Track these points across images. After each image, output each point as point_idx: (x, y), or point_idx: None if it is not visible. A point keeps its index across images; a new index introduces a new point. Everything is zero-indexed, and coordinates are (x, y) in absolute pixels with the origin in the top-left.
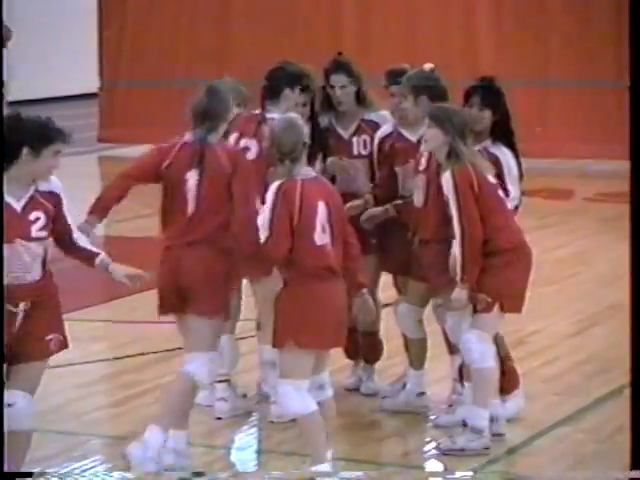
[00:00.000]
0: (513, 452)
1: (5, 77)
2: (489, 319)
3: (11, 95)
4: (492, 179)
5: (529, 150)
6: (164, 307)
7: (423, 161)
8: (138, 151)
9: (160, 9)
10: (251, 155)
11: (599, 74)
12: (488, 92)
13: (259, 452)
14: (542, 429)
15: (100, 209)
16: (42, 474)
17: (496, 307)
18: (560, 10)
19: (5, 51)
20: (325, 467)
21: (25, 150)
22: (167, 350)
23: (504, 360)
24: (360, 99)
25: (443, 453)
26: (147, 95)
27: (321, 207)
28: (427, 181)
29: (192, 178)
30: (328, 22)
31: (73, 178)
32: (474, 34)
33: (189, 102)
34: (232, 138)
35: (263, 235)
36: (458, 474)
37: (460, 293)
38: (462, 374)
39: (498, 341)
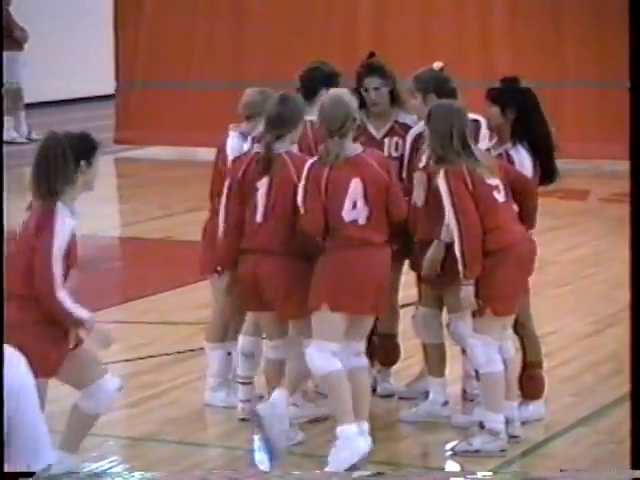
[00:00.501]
0: (529, 454)
1: (19, 79)
2: (485, 323)
3: (27, 97)
4: (491, 180)
5: None
6: (246, 306)
7: (423, 158)
8: (154, 153)
9: (175, 10)
10: None
11: (615, 75)
12: (500, 91)
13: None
14: (558, 430)
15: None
16: (69, 474)
17: (488, 310)
18: (576, 10)
19: (21, 53)
20: (351, 428)
21: (83, 163)
22: (182, 352)
23: (534, 366)
24: (394, 99)
25: (459, 455)
26: (163, 97)
27: (354, 184)
28: (428, 178)
29: (262, 187)
30: (343, 23)
31: None
32: (489, 35)
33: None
34: None
35: (301, 212)
36: (479, 474)
37: (467, 291)
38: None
39: (529, 345)
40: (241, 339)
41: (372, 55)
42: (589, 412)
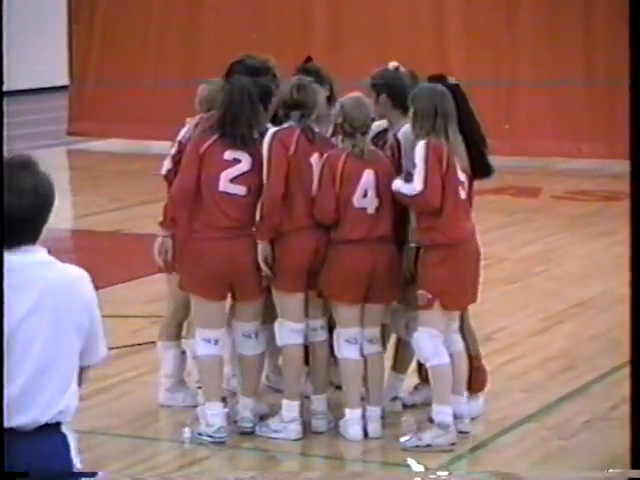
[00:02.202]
0: (478, 449)
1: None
2: (433, 316)
3: None
4: (460, 175)
5: (497, 148)
6: (299, 283)
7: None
8: (107, 145)
9: (129, 4)
10: None
11: (568, 73)
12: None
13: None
14: (507, 426)
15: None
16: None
17: (437, 304)
18: (530, 7)
19: None
20: (354, 413)
21: None
22: (132, 345)
23: (473, 359)
24: (331, 102)
25: (410, 450)
26: (116, 89)
27: (366, 174)
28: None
29: (315, 162)
30: (298, 20)
31: None
32: (444, 33)
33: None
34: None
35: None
36: (440, 473)
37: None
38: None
39: (469, 339)
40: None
41: (309, 59)
42: (538, 408)
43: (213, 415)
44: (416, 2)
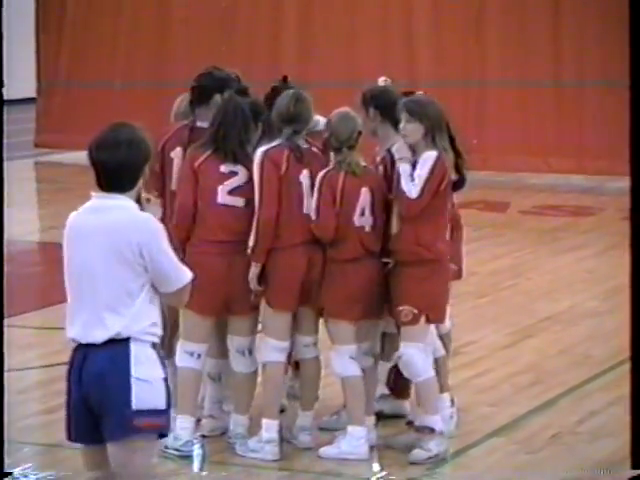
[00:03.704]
0: (446, 462)
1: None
2: (418, 330)
3: None
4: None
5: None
6: (290, 302)
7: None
8: (75, 157)
9: (99, 12)
10: (178, 162)
11: (536, 77)
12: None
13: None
14: (475, 440)
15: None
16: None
17: (422, 319)
18: (499, 10)
19: None
20: (361, 431)
21: None
22: None
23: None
24: None
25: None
26: (85, 100)
27: (363, 193)
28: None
29: (305, 179)
30: (268, 30)
31: (9, 183)
32: (413, 38)
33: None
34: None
35: (313, 218)
36: None
37: None
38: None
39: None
40: (207, 361)
41: (285, 79)
42: (505, 422)
43: (183, 429)
44: (384, 7)
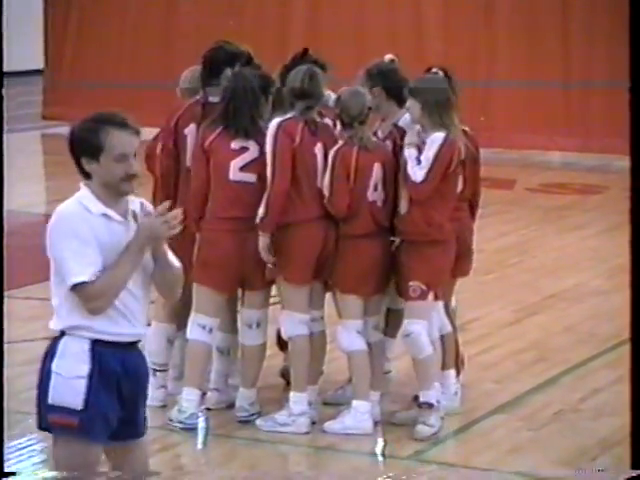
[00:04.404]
0: (448, 438)
1: None
2: (424, 307)
3: None
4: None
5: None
6: (306, 274)
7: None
8: None
9: None
10: (192, 139)
11: (545, 74)
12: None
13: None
14: (478, 416)
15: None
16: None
17: (431, 295)
18: (508, 9)
19: None
20: (365, 405)
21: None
22: None
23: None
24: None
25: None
26: (92, 72)
27: (376, 168)
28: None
29: (319, 152)
30: (277, 8)
31: (16, 155)
32: (422, 32)
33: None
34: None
35: (326, 193)
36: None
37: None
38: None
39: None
40: (217, 335)
41: (306, 52)
42: (509, 399)
43: (188, 401)
44: (393, 1)
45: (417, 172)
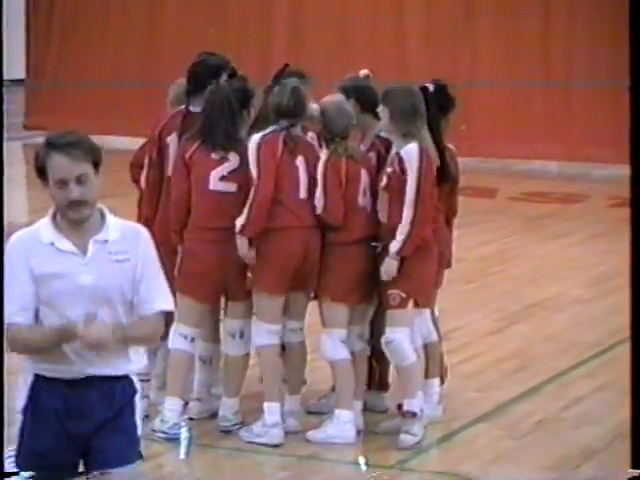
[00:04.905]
0: (431, 447)
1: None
2: (405, 315)
3: None
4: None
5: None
6: (282, 286)
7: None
8: None
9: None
10: (174, 148)
11: (526, 75)
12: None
13: None
14: (460, 425)
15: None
16: None
17: (410, 303)
18: (490, 10)
19: None
20: (349, 415)
21: None
22: None
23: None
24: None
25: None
26: (75, 79)
27: (363, 175)
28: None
29: (301, 164)
30: (259, 15)
31: None
32: (404, 37)
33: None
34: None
35: (319, 205)
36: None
37: (390, 264)
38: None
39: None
40: (200, 344)
41: (286, 66)
42: (491, 408)
43: (171, 411)
44: (376, 5)
45: (411, 204)
